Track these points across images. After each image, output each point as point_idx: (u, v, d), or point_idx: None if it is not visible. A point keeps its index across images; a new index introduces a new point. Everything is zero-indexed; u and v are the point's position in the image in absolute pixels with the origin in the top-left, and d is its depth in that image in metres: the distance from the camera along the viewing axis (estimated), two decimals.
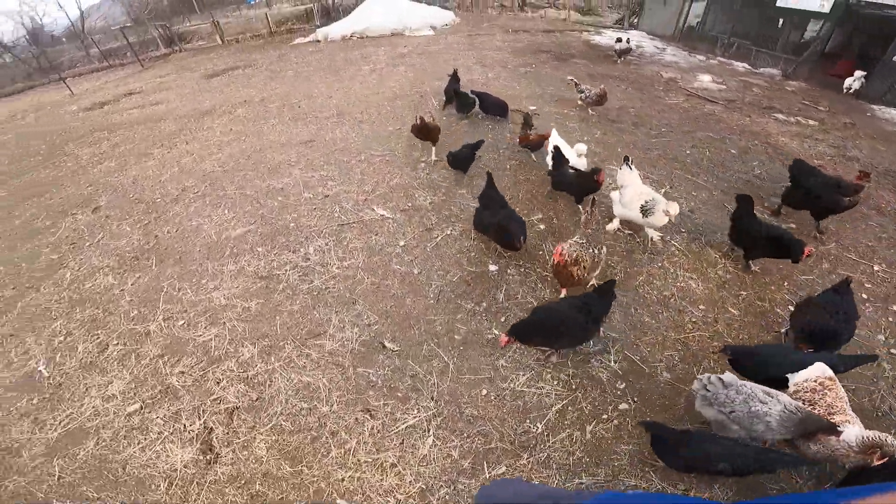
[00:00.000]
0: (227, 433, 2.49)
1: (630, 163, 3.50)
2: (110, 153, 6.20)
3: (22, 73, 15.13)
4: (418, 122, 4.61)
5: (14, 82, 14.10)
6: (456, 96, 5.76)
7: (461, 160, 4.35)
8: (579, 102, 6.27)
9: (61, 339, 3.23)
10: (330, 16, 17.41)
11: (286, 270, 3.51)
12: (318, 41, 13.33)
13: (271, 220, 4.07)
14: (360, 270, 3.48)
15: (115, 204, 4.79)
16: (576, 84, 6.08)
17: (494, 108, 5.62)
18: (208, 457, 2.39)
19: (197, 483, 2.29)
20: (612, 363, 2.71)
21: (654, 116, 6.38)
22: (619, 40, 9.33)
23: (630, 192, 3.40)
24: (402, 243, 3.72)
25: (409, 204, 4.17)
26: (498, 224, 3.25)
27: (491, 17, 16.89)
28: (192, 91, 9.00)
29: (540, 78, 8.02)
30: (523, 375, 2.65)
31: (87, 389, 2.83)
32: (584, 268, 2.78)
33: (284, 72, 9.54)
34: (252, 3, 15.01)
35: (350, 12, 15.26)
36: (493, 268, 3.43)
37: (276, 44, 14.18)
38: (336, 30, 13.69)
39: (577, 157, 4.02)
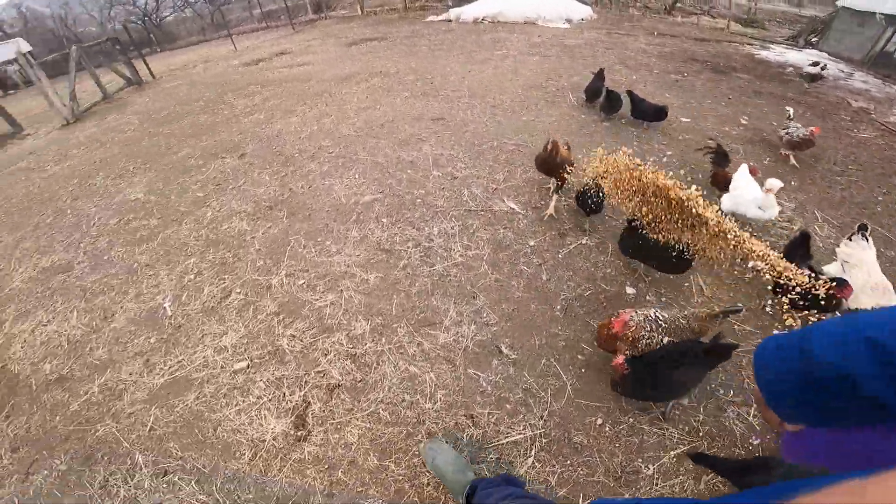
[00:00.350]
0: (324, 411, 2.41)
1: (867, 234, 2.59)
2: (261, 106, 6.69)
3: (197, 28, 17.34)
4: (550, 148, 3.37)
5: (190, 35, 16.21)
6: (606, 95, 5.21)
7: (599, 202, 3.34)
8: (781, 142, 4.75)
9: (191, 277, 3.40)
10: None
11: (408, 248, 3.38)
12: (450, 20, 13.37)
13: (399, 193, 3.99)
14: (485, 263, 3.23)
15: (259, 153, 5.10)
16: (789, 117, 4.70)
17: (650, 114, 4.95)
18: (299, 433, 2.32)
19: (281, 458, 2.23)
20: (751, 416, 2.24)
21: (838, 150, 5.23)
22: (815, 64, 7.84)
23: (859, 277, 2.45)
24: (531, 243, 3.40)
25: (543, 202, 3.81)
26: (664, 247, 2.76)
27: (633, 16, 15.54)
28: (334, 57, 9.46)
29: (694, 89, 7.06)
30: (648, 413, 2.28)
31: (202, 336, 2.91)
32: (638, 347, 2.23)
33: (418, 47, 9.62)
34: None
35: None
36: (630, 290, 2.98)
37: (409, 19, 14.49)
38: (468, 11, 13.60)
39: (763, 192, 3.26)
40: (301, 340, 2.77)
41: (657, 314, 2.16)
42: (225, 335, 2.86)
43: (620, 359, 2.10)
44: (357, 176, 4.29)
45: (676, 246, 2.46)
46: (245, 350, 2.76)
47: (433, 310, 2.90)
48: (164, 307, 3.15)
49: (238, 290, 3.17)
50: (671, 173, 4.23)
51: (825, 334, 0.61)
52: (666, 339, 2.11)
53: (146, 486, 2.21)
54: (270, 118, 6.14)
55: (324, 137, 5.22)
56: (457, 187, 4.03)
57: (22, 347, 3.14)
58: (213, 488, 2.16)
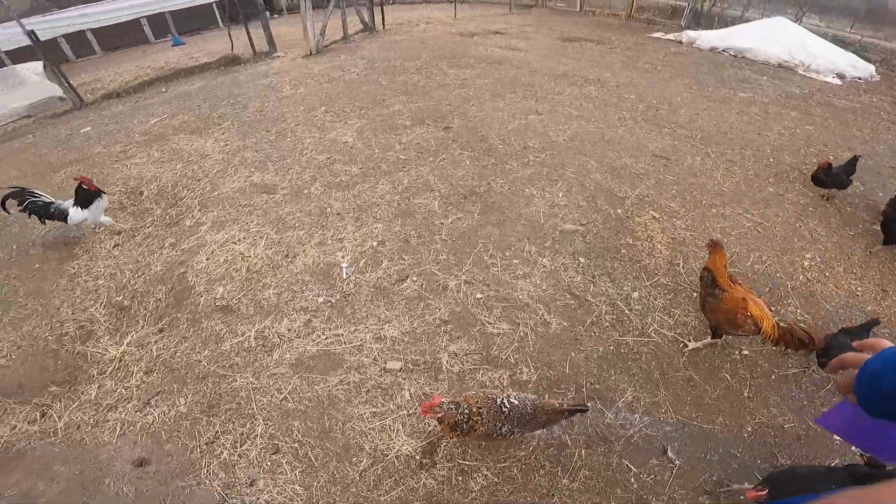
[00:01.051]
0: (458, 448, 2.16)
1: None
2: (471, 82, 6.63)
3: None
4: (796, 333, 2.33)
5: None
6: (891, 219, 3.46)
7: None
8: None
9: (373, 244, 3.34)
10: (699, 21, 15.40)
11: (601, 302, 2.87)
12: (681, 42, 11.82)
13: (604, 233, 3.45)
14: (683, 354, 2.61)
15: (463, 132, 4.98)
16: None
17: None
18: (424, 461, 2.11)
19: (395, 480, 2.04)
20: None
21: None
22: None
23: None
24: (745, 351, 2.66)
25: (773, 306, 2.93)
26: None
27: None
28: (548, 50, 9.02)
29: None
30: None
31: (367, 316, 2.80)
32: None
33: (641, 63, 8.62)
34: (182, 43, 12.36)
35: (726, 24, 13.04)
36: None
37: (632, 29, 13.28)
38: (707, 38, 11.82)
39: None
40: (462, 363, 2.52)
41: (502, 401, 1.91)
42: (389, 324, 2.73)
43: (759, 493, 1.72)
44: (561, 195, 3.85)
45: None
46: (403, 350, 2.59)
47: (609, 385, 2.46)
48: (342, 267, 3.15)
49: (415, 279, 3.03)
50: None
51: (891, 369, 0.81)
52: (505, 428, 1.88)
53: (251, 457, 2.16)
54: (479, 98, 6.00)
55: (531, 137, 4.87)
56: (672, 251, 3.33)
57: (207, 259, 3.39)
58: (314, 485, 2.05)
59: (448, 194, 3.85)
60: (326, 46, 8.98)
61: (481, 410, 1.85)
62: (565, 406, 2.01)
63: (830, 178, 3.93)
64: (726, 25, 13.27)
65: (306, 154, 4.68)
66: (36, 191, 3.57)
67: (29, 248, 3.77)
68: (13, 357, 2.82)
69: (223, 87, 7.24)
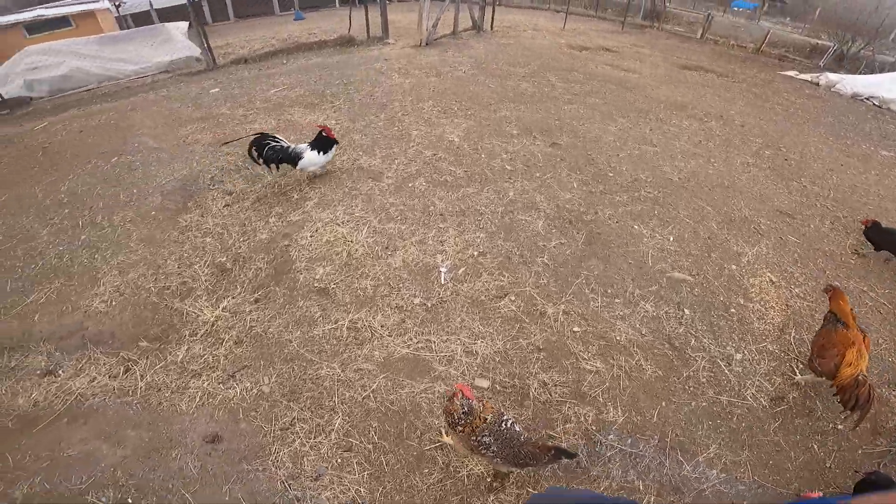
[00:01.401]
0: (531, 475, 2.12)
1: None
2: (581, 99, 6.44)
3: None
4: (860, 389, 2.20)
5: None
6: None
7: None
8: None
9: (474, 254, 3.31)
10: (840, 63, 13.80)
11: (700, 358, 2.69)
12: (817, 84, 10.66)
13: (714, 288, 3.20)
14: (776, 421, 2.41)
15: (571, 151, 4.84)
16: None
17: None
18: (495, 484, 2.07)
19: (461, 498, 2.01)
20: None
21: None
22: None
23: None
24: (840, 426, 2.43)
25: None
26: None
27: None
28: (665, 75, 8.53)
29: None
30: None
31: (460, 327, 2.77)
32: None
33: (770, 104, 7.87)
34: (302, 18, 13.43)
35: (874, 69, 11.62)
36: None
37: (758, 64, 12.17)
38: (850, 83, 10.53)
39: None
40: (550, 393, 2.46)
41: (506, 419, 1.91)
42: (481, 339, 2.71)
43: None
44: (671, 239, 3.63)
45: None
46: (493, 369, 2.56)
47: (694, 438, 2.33)
48: (441, 271, 3.15)
49: (512, 298, 2.98)
50: None
51: None
52: (487, 440, 1.86)
53: (323, 451, 2.13)
54: (589, 117, 5.81)
55: (643, 169, 4.64)
56: (785, 318, 3.03)
57: (311, 236, 3.44)
58: (379, 489, 2.03)
59: (553, 216, 3.76)
60: (436, 40, 9.14)
61: (486, 417, 1.87)
62: (552, 444, 1.91)
63: (880, 236, 3.62)
64: (873, 71, 11.83)
65: (413, 146, 4.78)
66: (276, 135, 3.95)
67: (149, 193, 3.96)
68: (113, 304, 2.85)
69: (337, 66, 7.60)
